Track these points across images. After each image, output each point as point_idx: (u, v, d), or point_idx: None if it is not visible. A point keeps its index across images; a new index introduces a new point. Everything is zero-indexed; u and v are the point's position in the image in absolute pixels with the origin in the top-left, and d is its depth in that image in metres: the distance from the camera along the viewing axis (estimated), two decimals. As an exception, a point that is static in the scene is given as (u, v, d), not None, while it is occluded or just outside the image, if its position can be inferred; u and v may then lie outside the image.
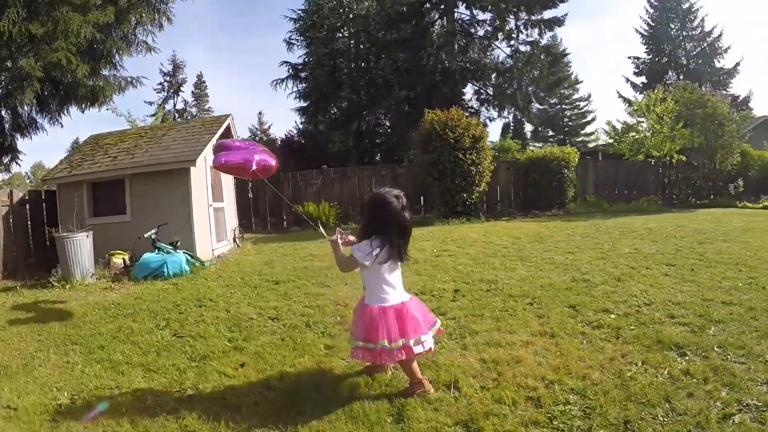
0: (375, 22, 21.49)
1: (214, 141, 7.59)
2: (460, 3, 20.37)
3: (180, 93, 34.53)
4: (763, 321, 3.28)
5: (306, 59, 22.91)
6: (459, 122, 10.60)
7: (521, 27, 20.29)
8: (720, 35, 30.92)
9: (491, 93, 21.64)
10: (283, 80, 23.07)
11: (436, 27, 21.43)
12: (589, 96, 30.75)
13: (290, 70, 23.13)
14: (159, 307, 4.60)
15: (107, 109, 12.92)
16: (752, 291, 4.00)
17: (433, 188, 11.11)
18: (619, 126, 17.72)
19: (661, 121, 15.63)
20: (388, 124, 23.57)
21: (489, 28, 20.56)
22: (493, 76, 21.54)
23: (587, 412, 2.26)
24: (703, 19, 31.65)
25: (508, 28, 19.93)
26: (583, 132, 35.75)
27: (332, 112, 23.50)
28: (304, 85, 22.97)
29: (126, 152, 7.59)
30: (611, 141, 18.28)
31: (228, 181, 8.99)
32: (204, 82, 37.32)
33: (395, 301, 2.55)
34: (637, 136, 16.41)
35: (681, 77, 31.61)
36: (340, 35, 23.32)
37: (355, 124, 22.19)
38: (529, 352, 2.98)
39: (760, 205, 13.90)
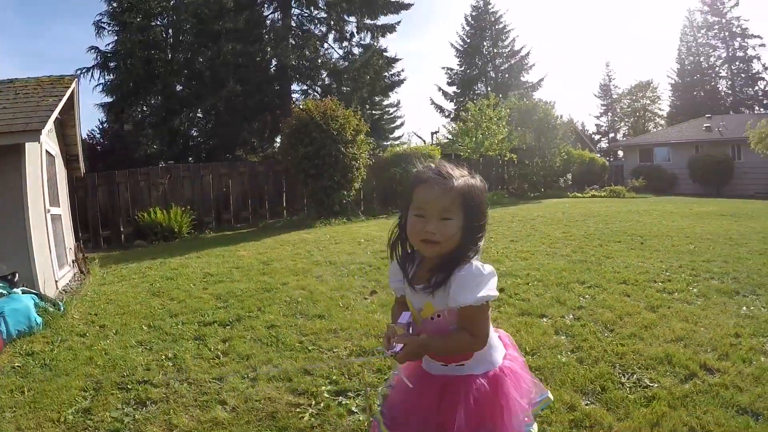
0: (205, 9, 19.55)
1: (60, 107, 5.32)
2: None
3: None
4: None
5: (117, 47, 19.79)
6: (337, 113, 9.93)
7: (354, 30, 20.87)
8: (528, 54, 36.49)
9: (319, 93, 21.68)
10: (89, 69, 19.46)
11: (271, 20, 20.59)
12: (399, 102, 33.58)
13: (98, 58, 19.65)
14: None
15: None
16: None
17: (306, 186, 10.16)
18: (452, 129, 20.17)
19: (497, 125, 18.37)
20: (213, 122, 21.65)
21: (324, 28, 20.57)
22: (324, 76, 21.65)
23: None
24: (513, 39, 37.04)
25: (346, 29, 20.23)
26: (392, 136, 39.29)
27: (143, 109, 20.90)
28: (112, 76, 19.77)
29: None
30: (447, 142, 20.53)
31: (63, 176, 6.66)
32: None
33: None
34: (474, 138, 18.93)
35: (489, 89, 37.39)
36: (159, 23, 20.86)
37: (171, 122, 19.83)
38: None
39: (589, 194, 17.65)
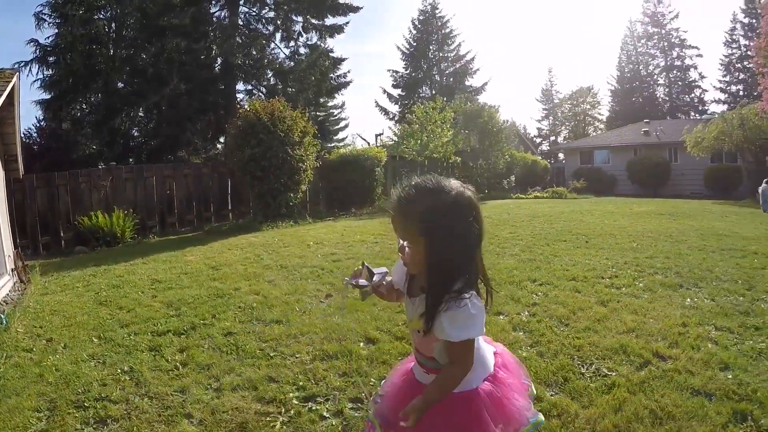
0: (150, 4, 18.85)
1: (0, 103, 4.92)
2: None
3: None
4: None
5: (57, 40, 18.78)
6: (285, 114, 9.80)
7: (301, 30, 20.66)
8: (473, 58, 37.41)
9: (264, 93, 21.39)
10: (27, 63, 18.31)
11: (218, 17, 20.09)
12: (343, 104, 33.65)
13: (38, 51, 18.55)
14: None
15: None
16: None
17: (252, 188, 9.93)
18: (397, 131, 20.45)
19: (442, 127, 18.80)
20: (155, 121, 20.89)
21: (271, 27, 20.25)
22: (270, 76, 21.37)
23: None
24: (459, 44, 37.85)
25: (293, 29, 19.99)
26: (335, 138, 39.36)
27: (83, 107, 19.86)
28: (51, 72, 18.71)
29: None
30: (393, 144, 20.77)
31: (1, 177, 6.04)
32: None
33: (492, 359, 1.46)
34: (419, 141, 19.29)
35: (434, 92, 38.20)
36: (102, 16, 19.98)
37: (111, 121, 19.00)
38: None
39: (532, 196, 18.18)
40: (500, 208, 12.29)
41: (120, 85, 20.23)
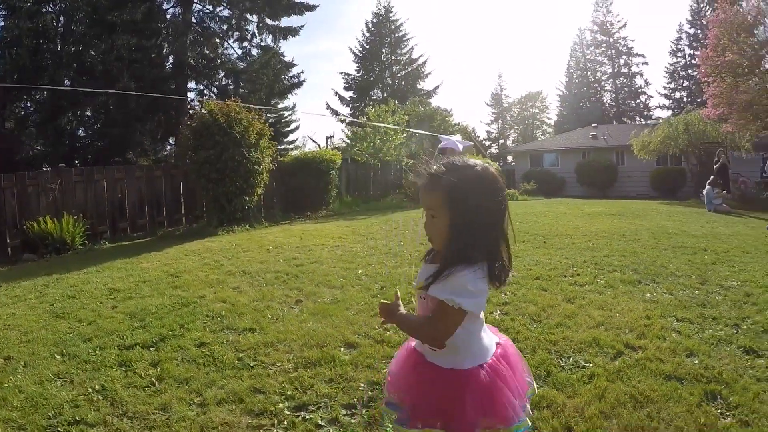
0: None
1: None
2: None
3: None
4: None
5: (3, 34, 17.97)
6: (241, 115, 9.68)
7: (256, 30, 20.69)
8: (425, 62, 38.23)
9: (215, 93, 21.15)
10: None
11: (171, 15, 19.71)
12: (294, 106, 33.72)
13: None
14: None
15: None
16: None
17: (207, 191, 9.70)
18: (350, 133, 20.68)
19: (394, 130, 19.10)
20: (102, 121, 20.24)
21: (225, 26, 20.10)
22: (222, 76, 21.21)
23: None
24: (412, 48, 38.63)
25: (247, 28, 19.92)
26: (286, 140, 39.02)
27: (27, 105, 19.11)
28: None
29: None
30: (345, 146, 20.95)
31: None
32: None
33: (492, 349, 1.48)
34: (372, 143, 19.51)
35: (386, 95, 38.69)
36: (50, 9, 19.18)
37: (57, 120, 18.23)
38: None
39: None
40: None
41: (67, 82, 19.44)
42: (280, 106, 25.82)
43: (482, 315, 1.45)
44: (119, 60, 18.57)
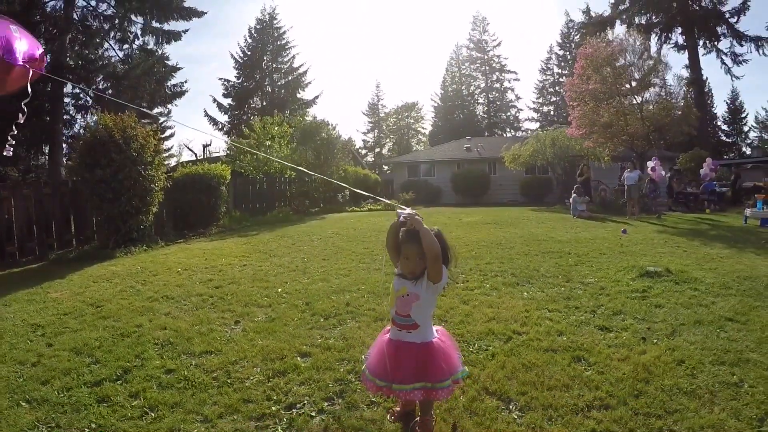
0: None
1: None
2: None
3: None
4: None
5: None
6: (137, 131, 9.59)
7: (139, 32, 20.14)
8: (306, 71, 39.04)
9: (92, 98, 20.17)
10: None
11: (51, 9, 18.26)
12: (169, 112, 32.70)
13: None
14: None
15: None
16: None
17: (101, 211, 9.55)
18: (232, 146, 20.76)
19: (279, 143, 19.62)
20: None
21: (107, 25, 19.22)
22: (100, 80, 20.22)
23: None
24: (293, 56, 39.30)
25: (130, 30, 19.26)
26: (161, 148, 36.96)
27: None
28: None
29: None
30: (227, 158, 20.82)
31: None
32: None
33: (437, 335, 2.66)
34: (257, 156, 19.74)
35: (265, 104, 38.71)
36: None
37: None
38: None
39: (366, 208, 20.03)
40: (342, 222, 13.63)
41: None
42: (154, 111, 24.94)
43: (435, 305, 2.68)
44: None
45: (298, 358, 3.74)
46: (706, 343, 3.79)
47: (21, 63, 2.09)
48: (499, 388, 3.10)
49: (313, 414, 2.93)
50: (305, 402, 3.07)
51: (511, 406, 2.91)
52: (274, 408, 2.99)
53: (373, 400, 3.01)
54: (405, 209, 2.52)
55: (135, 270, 7.38)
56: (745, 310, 4.64)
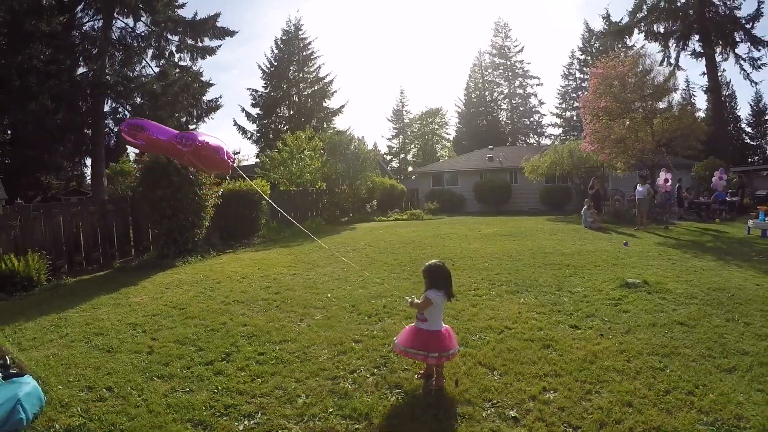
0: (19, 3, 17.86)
1: None
2: (121, 11, 19.83)
3: None
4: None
5: None
6: None
7: (175, 50, 21.93)
8: (332, 81, 40.98)
9: (129, 112, 21.98)
10: None
11: (90, 28, 20.11)
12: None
13: None
14: None
15: None
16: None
17: (161, 225, 11.23)
18: (267, 160, 22.24)
19: (310, 157, 21.39)
20: (12, 139, 20.06)
21: (144, 44, 21.01)
22: (136, 96, 22.01)
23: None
24: (319, 66, 41.40)
25: (167, 48, 20.98)
26: None
27: None
28: None
29: None
30: (262, 172, 22.11)
31: None
32: None
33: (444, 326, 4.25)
34: (290, 169, 21.54)
35: (292, 113, 40.68)
36: None
37: None
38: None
39: (393, 218, 21.61)
40: (372, 233, 15.24)
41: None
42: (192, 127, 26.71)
43: (441, 310, 4.19)
44: (33, 73, 18.28)
45: (353, 344, 5.18)
46: (651, 340, 5.02)
47: (228, 159, 3.54)
48: (488, 362, 4.70)
49: (368, 376, 4.55)
50: (362, 369, 4.65)
51: (494, 373, 4.49)
52: (342, 372, 4.46)
53: (406, 367, 4.67)
54: (408, 298, 4.38)
55: (198, 278, 8.78)
56: (699, 317, 5.63)
